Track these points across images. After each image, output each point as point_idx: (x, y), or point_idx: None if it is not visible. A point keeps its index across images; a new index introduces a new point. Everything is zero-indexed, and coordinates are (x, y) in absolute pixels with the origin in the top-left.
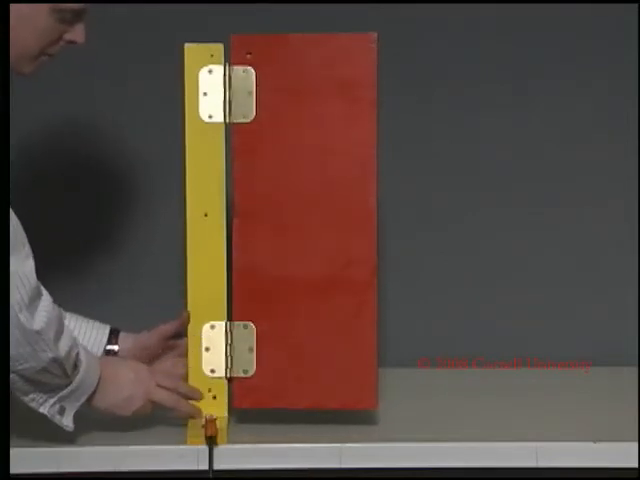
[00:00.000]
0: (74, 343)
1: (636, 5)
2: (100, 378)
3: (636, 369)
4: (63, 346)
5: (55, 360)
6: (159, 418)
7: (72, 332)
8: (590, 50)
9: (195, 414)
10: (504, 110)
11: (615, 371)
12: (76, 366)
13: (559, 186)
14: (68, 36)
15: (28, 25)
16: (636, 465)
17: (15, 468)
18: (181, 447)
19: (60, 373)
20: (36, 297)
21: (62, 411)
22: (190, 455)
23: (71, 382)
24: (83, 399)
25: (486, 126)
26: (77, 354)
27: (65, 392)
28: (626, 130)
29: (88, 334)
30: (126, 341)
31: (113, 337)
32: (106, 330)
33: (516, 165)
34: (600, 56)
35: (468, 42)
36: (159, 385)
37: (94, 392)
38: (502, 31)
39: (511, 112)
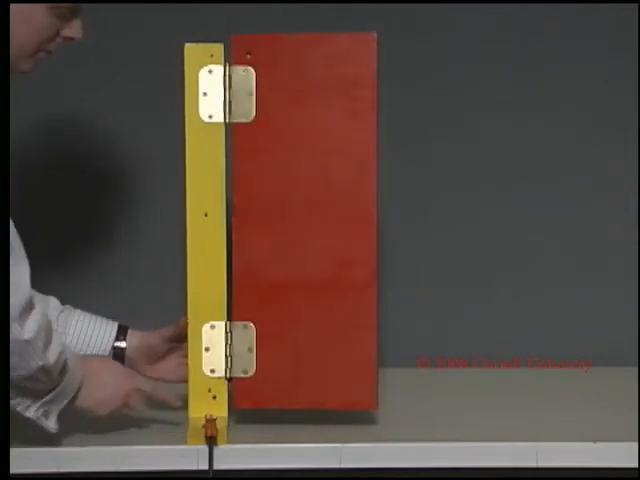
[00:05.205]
0: (63, 349)
1: (636, 5)
2: (83, 378)
3: (636, 369)
4: (52, 354)
5: (43, 368)
6: (159, 418)
7: (60, 338)
8: (590, 50)
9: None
10: (504, 110)
11: (615, 371)
12: (63, 371)
13: (559, 186)
14: (65, 32)
15: (24, 22)
16: (636, 465)
17: (15, 468)
18: (181, 447)
19: (47, 380)
20: (28, 308)
21: (46, 414)
22: (190, 455)
23: (56, 387)
24: (66, 401)
25: (486, 126)
26: (65, 360)
27: (49, 397)
28: (626, 130)
29: (97, 330)
30: (133, 338)
31: (121, 334)
32: (114, 327)
33: (516, 165)
34: (600, 56)
35: (468, 42)
36: (138, 389)
37: (77, 392)
38: (502, 31)
39: (511, 112)
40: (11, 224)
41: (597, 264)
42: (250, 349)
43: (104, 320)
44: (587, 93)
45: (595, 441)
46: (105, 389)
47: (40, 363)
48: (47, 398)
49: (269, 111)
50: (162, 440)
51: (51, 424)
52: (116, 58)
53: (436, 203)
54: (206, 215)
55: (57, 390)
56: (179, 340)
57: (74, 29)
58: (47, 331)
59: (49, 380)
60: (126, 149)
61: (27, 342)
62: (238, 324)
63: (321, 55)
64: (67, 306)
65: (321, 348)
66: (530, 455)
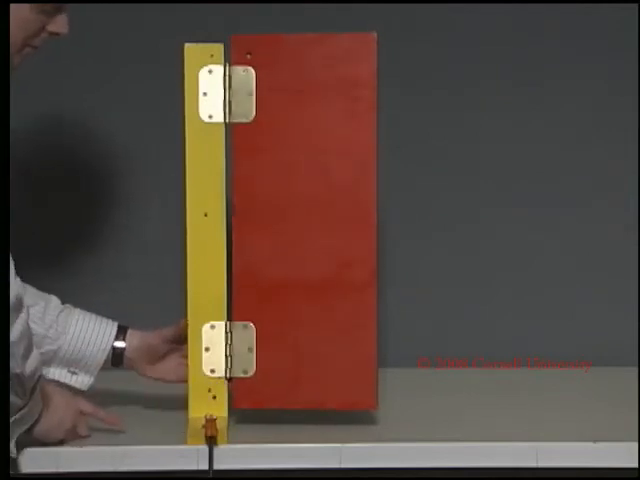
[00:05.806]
0: (39, 366)
1: (636, 5)
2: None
3: (636, 369)
4: (30, 365)
5: (18, 376)
6: (158, 418)
7: (39, 356)
8: (590, 50)
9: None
10: (504, 110)
11: (615, 371)
12: (33, 390)
13: (559, 186)
14: (50, 27)
15: (10, 17)
16: (636, 465)
17: (14, 468)
18: (181, 447)
19: (19, 391)
20: (16, 309)
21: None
22: (190, 455)
23: (25, 405)
24: (27, 426)
25: (486, 126)
26: (38, 379)
27: (17, 416)
28: (626, 130)
29: (97, 330)
30: (133, 338)
31: (121, 334)
32: (114, 326)
33: (516, 165)
34: (600, 56)
35: (468, 42)
36: (80, 410)
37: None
38: (502, 31)
39: (511, 112)
40: None
41: (597, 264)
42: (250, 349)
43: (104, 320)
44: (587, 93)
45: (595, 441)
46: (56, 413)
47: (17, 370)
48: (15, 417)
49: (269, 111)
50: (162, 440)
51: (11, 447)
52: (116, 58)
53: (436, 203)
54: (206, 215)
55: (24, 411)
56: (179, 341)
57: (59, 24)
58: (29, 341)
59: (21, 392)
60: (126, 149)
61: (11, 343)
62: (238, 324)
63: (321, 55)
64: (67, 305)
65: (321, 348)
66: (530, 455)
